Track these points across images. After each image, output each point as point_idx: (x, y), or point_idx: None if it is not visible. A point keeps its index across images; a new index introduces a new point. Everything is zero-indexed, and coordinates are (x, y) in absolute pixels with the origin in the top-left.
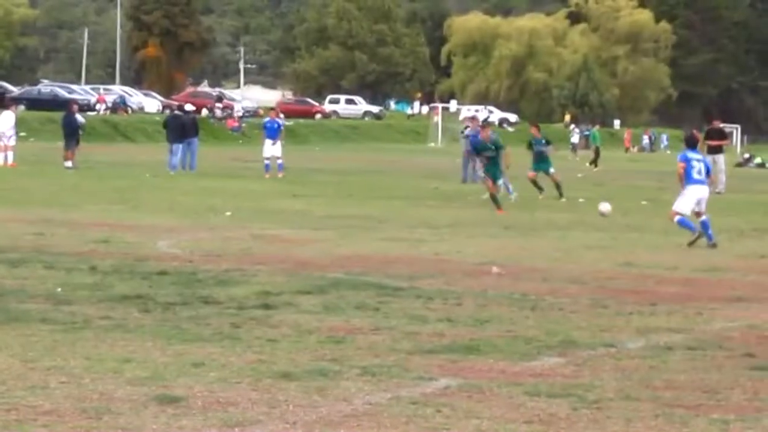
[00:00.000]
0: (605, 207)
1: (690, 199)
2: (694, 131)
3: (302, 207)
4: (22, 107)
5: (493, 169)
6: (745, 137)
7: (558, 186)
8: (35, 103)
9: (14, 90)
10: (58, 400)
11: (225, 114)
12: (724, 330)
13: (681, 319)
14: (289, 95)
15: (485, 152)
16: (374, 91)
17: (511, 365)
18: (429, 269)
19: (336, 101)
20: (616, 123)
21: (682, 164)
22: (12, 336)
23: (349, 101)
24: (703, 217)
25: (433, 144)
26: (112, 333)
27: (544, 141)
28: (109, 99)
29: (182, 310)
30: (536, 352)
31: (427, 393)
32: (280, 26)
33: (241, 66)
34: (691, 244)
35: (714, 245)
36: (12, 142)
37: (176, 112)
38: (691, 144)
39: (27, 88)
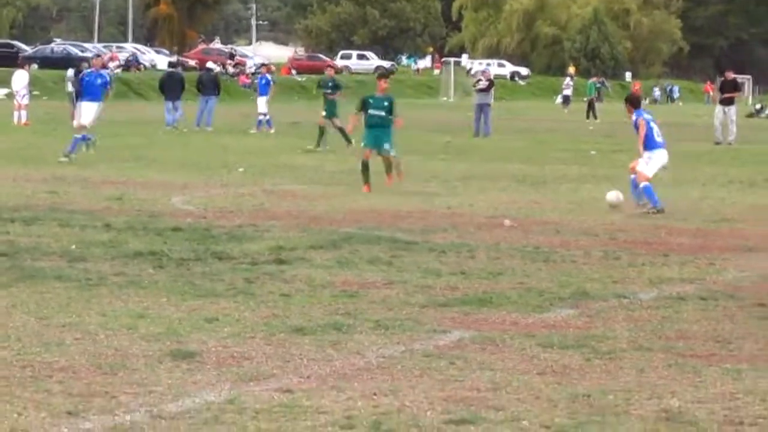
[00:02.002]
0: (614, 196)
1: (656, 165)
2: (635, 90)
3: (315, 162)
4: (34, 66)
5: (375, 132)
6: (757, 88)
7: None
8: (48, 62)
9: (27, 49)
10: (73, 357)
11: (237, 71)
12: (736, 280)
13: (693, 269)
14: (301, 51)
15: (377, 110)
16: (386, 47)
17: (524, 317)
18: (441, 223)
19: (348, 57)
20: (628, 75)
21: (643, 122)
22: (27, 293)
23: (361, 56)
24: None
25: (445, 98)
26: (127, 289)
27: (330, 83)
28: (122, 57)
29: (196, 266)
30: (549, 303)
31: (441, 345)
32: None
33: (253, 22)
34: (644, 212)
35: (661, 210)
36: (25, 101)
37: (171, 69)
38: (637, 104)
39: (40, 47)
